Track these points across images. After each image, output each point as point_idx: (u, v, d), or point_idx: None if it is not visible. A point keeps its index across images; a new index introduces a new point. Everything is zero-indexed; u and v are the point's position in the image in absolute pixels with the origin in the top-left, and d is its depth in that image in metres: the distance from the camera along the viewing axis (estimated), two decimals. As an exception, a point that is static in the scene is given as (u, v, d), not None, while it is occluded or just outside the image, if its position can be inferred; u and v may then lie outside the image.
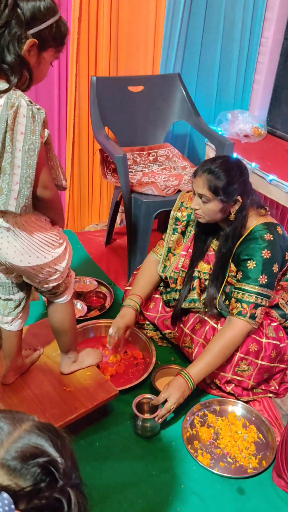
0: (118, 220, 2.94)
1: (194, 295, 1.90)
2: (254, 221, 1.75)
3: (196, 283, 1.90)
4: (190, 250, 1.92)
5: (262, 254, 1.70)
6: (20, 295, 1.55)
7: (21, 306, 1.57)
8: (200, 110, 2.69)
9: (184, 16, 2.62)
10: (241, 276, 1.74)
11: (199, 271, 1.90)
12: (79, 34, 2.41)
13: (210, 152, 2.83)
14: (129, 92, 2.55)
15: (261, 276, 1.70)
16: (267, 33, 2.92)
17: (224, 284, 1.82)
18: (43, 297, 2.20)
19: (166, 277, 1.97)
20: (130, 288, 2.13)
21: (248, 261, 1.72)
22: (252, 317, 1.71)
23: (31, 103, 1.18)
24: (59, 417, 1.54)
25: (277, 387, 1.87)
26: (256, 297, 1.71)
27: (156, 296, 2.08)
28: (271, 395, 1.87)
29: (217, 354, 1.72)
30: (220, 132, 2.82)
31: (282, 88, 2.99)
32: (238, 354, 1.76)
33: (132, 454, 1.63)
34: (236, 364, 1.77)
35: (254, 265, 1.71)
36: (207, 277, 1.89)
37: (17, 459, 0.58)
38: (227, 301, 1.81)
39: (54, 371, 1.73)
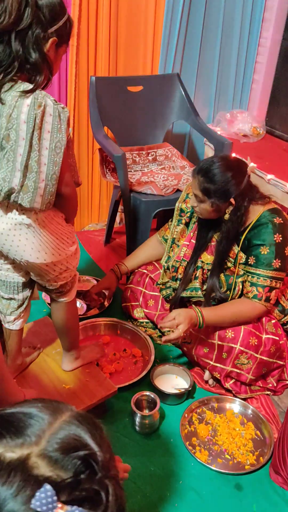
0: (117, 219, 2.95)
1: (196, 283, 1.91)
2: (260, 209, 1.77)
3: (199, 272, 1.91)
4: (193, 241, 1.95)
5: (274, 238, 1.73)
6: (23, 294, 1.56)
7: (24, 306, 1.59)
8: (199, 110, 2.70)
9: (183, 16, 2.63)
10: (254, 261, 1.77)
11: (202, 262, 1.91)
12: (78, 34, 2.42)
13: (209, 151, 2.85)
14: (129, 92, 2.57)
15: (274, 261, 1.74)
16: (266, 34, 2.93)
17: (228, 275, 1.85)
18: (43, 296, 2.22)
19: (168, 267, 2.00)
20: (131, 285, 2.16)
21: (261, 247, 1.74)
22: (268, 299, 1.77)
23: (56, 102, 1.22)
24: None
25: (275, 384, 1.88)
26: (270, 280, 1.75)
27: (155, 294, 2.10)
28: (268, 392, 1.89)
29: (230, 315, 1.78)
30: (219, 132, 2.84)
31: (281, 88, 3.01)
32: (238, 347, 1.78)
33: (131, 451, 1.64)
34: (236, 357, 1.79)
35: (268, 250, 1.74)
36: (210, 267, 1.90)
37: (58, 451, 0.58)
38: (228, 291, 1.83)
39: (53, 369, 1.75)
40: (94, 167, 2.81)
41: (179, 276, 1.95)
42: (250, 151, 2.79)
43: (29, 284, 1.56)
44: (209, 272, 1.88)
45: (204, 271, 1.91)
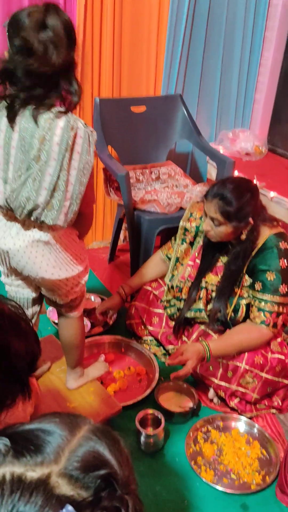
0: (121, 237, 2.97)
1: (200, 304, 1.91)
2: (267, 232, 1.76)
3: (203, 293, 1.91)
4: (198, 261, 1.95)
5: (280, 264, 1.73)
6: (33, 309, 1.58)
7: (33, 321, 1.60)
8: (201, 129, 2.74)
9: (185, 37, 2.69)
10: (261, 287, 1.76)
11: (206, 282, 1.91)
12: (83, 56, 2.48)
13: (212, 170, 2.88)
14: (132, 112, 2.61)
15: (281, 286, 1.73)
16: (267, 53, 2.98)
17: (232, 297, 1.84)
18: (48, 315, 2.23)
19: (172, 286, 1.99)
20: (136, 303, 2.17)
21: (267, 272, 1.74)
22: (275, 325, 1.76)
23: (86, 125, 1.27)
24: (62, 433, 1.55)
25: (280, 403, 1.87)
26: (278, 306, 1.74)
27: (160, 311, 2.10)
28: (274, 410, 1.87)
29: (237, 345, 1.77)
30: (221, 151, 2.87)
31: (282, 107, 3.04)
32: (243, 365, 1.77)
33: (136, 470, 1.61)
34: (241, 375, 1.78)
35: (274, 276, 1.73)
36: (214, 288, 1.90)
37: (79, 469, 0.57)
38: (233, 313, 1.83)
39: (58, 387, 1.74)
40: (98, 185, 2.84)
41: (184, 296, 1.96)
42: (253, 169, 2.82)
43: (38, 299, 1.58)
44: (213, 293, 1.88)
45: (208, 291, 1.91)
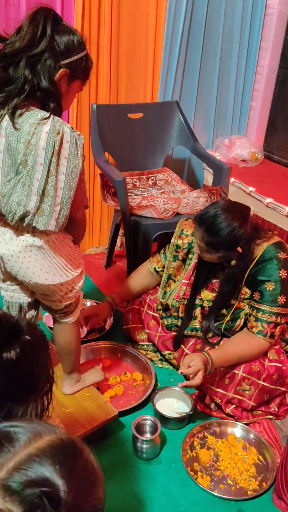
0: (118, 243, 2.97)
1: (196, 324, 1.92)
2: (264, 244, 1.75)
3: (198, 311, 1.91)
4: (193, 278, 1.93)
5: (280, 275, 1.72)
6: (29, 314, 1.58)
7: None
8: (198, 136, 2.76)
9: (182, 45, 2.71)
10: (259, 297, 1.75)
11: (201, 299, 1.91)
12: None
13: (208, 176, 2.89)
14: (129, 119, 2.62)
15: (280, 297, 1.72)
16: (262, 62, 3.01)
17: (229, 309, 1.84)
18: (44, 320, 2.22)
19: (167, 304, 1.99)
20: (132, 307, 2.17)
21: (266, 283, 1.73)
22: (272, 336, 1.75)
23: (72, 129, 1.27)
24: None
25: (277, 409, 1.87)
26: (276, 317, 1.74)
27: (157, 315, 2.10)
28: (271, 416, 1.87)
29: (237, 357, 1.76)
30: (218, 157, 2.88)
31: (278, 114, 3.07)
32: (240, 373, 1.77)
33: (132, 476, 1.62)
34: (238, 383, 1.78)
35: (273, 287, 1.72)
36: (211, 304, 1.90)
37: (17, 482, 0.56)
38: (231, 322, 1.83)
39: (53, 392, 1.73)
40: (95, 191, 2.85)
41: (181, 315, 1.95)
42: (249, 175, 2.83)
43: (34, 304, 1.58)
44: (209, 309, 1.89)
45: (205, 308, 1.91)
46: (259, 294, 1.75)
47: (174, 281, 2.00)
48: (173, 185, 2.73)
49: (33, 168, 1.24)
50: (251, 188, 2.65)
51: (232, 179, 2.74)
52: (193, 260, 1.93)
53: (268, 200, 2.54)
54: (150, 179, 2.72)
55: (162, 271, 2.06)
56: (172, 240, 1.99)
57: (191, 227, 1.94)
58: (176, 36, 2.67)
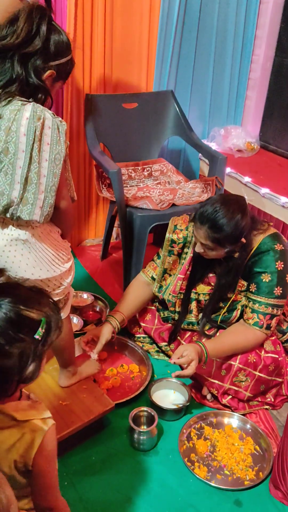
0: (114, 234, 2.96)
1: (192, 317, 1.91)
2: (260, 236, 1.74)
3: (193, 305, 1.90)
4: (188, 273, 1.92)
5: (276, 266, 1.71)
6: None
7: None
8: (194, 126, 2.73)
9: (176, 34, 2.68)
10: (255, 288, 1.75)
11: (197, 293, 1.90)
12: (73, 52, 2.45)
13: (204, 167, 2.87)
14: (123, 109, 2.60)
15: (276, 289, 1.72)
16: (258, 51, 2.98)
17: (226, 302, 1.83)
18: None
19: (163, 299, 1.98)
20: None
21: (263, 274, 1.72)
22: (268, 327, 1.75)
23: (54, 115, 1.26)
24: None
25: (273, 399, 1.87)
26: (272, 308, 1.73)
27: (152, 308, 2.09)
28: (267, 406, 1.88)
29: (233, 348, 1.76)
30: (213, 147, 2.87)
31: (274, 103, 3.05)
32: (237, 364, 1.77)
33: (129, 468, 1.62)
34: (235, 374, 1.78)
35: (269, 278, 1.72)
36: (207, 297, 1.89)
37: None
38: (227, 313, 1.83)
39: (50, 385, 1.73)
40: (91, 183, 2.83)
41: (177, 309, 1.94)
42: (245, 165, 2.82)
43: None
44: (206, 300, 1.88)
45: (201, 302, 1.90)
46: (255, 285, 1.75)
47: (170, 275, 1.99)
48: (168, 176, 2.71)
49: (15, 155, 1.23)
50: (246, 179, 2.64)
51: (228, 170, 2.73)
52: (189, 254, 1.92)
53: (264, 190, 2.52)
54: (145, 170, 2.71)
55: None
56: (167, 235, 1.95)
57: (184, 222, 1.93)
58: (171, 24, 2.64)
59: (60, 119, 1.28)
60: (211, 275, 1.88)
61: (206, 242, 1.67)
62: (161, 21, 2.60)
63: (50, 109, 1.31)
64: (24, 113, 1.22)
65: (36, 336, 1.00)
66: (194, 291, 1.90)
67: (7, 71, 1.24)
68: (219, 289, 1.81)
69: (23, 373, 1.00)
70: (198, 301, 1.91)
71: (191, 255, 1.90)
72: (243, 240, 1.68)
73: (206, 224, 1.64)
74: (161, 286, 2.00)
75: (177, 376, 1.72)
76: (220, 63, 2.93)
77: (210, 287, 1.87)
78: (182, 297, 1.92)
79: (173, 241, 1.94)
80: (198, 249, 1.74)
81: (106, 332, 1.90)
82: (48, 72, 1.29)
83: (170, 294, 1.94)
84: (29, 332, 1.00)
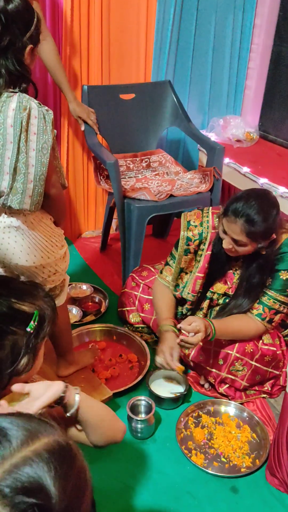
0: (113, 225, 2.96)
1: (200, 314, 1.90)
2: (284, 235, 1.73)
3: (205, 303, 1.89)
4: (207, 271, 1.88)
5: None
6: None
7: None
8: (193, 116, 2.72)
9: (174, 24, 2.66)
10: (270, 282, 1.75)
11: (213, 292, 1.88)
12: (71, 44, 2.45)
13: (203, 157, 2.87)
14: (121, 100, 2.59)
15: None
16: (257, 40, 2.96)
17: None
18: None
19: (181, 298, 1.95)
20: (127, 290, 2.15)
21: (282, 271, 1.72)
22: (270, 321, 1.76)
23: (40, 105, 1.26)
24: (53, 420, 1.56)
25: (270, 388, 1.88)
26: (279, 305, 1.74)
27: (151, 298, 2.10)
28: (264, 395, 1.89)
29: (236, 329, 1.77)
30: (212, 138, 2.86)
31: (273, 93, 3.03)
32: (234, 353, 1.78)
33: (127, 456, 1.64)
34: (232, 363, 1.79)
35: (287, 276, 1.72)
36: (221, 298, 1.89)
37: (11, 487, 0.54)
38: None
39: (48, 375, 1.75)
40: (90, 174, 2.83)
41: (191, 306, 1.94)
42: (244, 155, 2.81)
43: None
44: (219, 301, 1.88)
45: (214, 301, 1.90)
46: (270, 279, 1.75)
47: (186, 273, 1.95)
48: (167, 167, 2.71)
49: (4, 146, 1.24)
50: (245, 169, 2.63)
51: (227, 160, 2.72)
52: (205, 251, 1.86)
53: (263, 180, 2.52)
54: (144, 161, 2.70)
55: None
56: (182, 232, 1.88)
57: (198, 217, 1.88)
58: (169, 14, 2.62)
59: (46, 108, 1.28)
60: (230, 271, 1.85)
61: (239, 237, 1.62)
62: (159, 10, 2.58)
63: (36, 98, 1.31)
64: (10, 104, 1.23)
65: (28, 329, 1.01)
66: (211, 290, 1.88)
67: None
68: (250, 288, 1.76)
69: (15, 365, 1.01)
70: (211, 300, 1.90)
71: (209, 252, 1.85)
72: (274, 236, 1.65)
73: (242, 218, 1.58)
74: (177, 285, 1.96)
75: (182, 341, 1.65)
76: (219, 53, 2.91)
77: (227, 286, 1.86)
78: (199, 295, 1.90)
79: (188, 239, 1.87)
80: (226, 245, 1.68)
81: (172, 341, 1.78)
82: (28, 49, 1.27)
83: (189, 293, 1.90)
84: (21, 325, 1.01)
